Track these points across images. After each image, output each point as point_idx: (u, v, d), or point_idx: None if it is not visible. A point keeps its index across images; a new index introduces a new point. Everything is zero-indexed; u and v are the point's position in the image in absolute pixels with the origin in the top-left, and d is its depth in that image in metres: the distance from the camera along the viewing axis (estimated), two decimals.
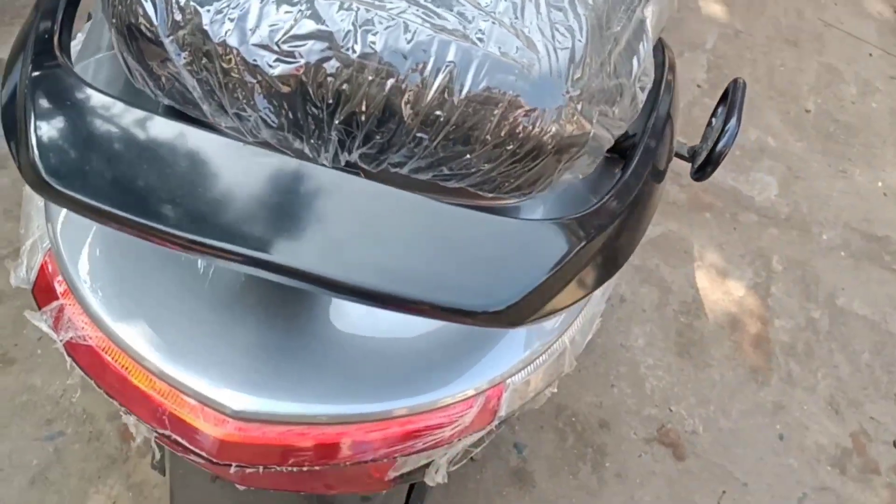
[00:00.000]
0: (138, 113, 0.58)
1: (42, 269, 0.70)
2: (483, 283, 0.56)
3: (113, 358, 0.66)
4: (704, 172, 0.78)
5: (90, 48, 0.77)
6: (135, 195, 0.54)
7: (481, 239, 0.57)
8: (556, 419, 1.52)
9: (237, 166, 0.56)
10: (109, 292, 0.67)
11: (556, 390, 0.79)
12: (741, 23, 2.30)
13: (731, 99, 0.77)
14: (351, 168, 0.60)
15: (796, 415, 1.59)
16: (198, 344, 0.66)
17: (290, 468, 0.66)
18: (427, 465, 0.74)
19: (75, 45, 0.79)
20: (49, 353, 1.44)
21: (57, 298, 0.68)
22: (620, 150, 0.71)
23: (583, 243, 0.59)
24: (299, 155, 0.59)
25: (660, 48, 0.81)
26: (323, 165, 0.58)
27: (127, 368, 0.66)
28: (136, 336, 0.65)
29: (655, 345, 1.65)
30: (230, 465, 0.65)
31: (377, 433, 0.66)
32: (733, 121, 0.74)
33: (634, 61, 0.64)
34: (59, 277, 0.68)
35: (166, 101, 0.60)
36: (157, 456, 0.86)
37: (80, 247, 0.69)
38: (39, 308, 0.69)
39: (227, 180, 0.55)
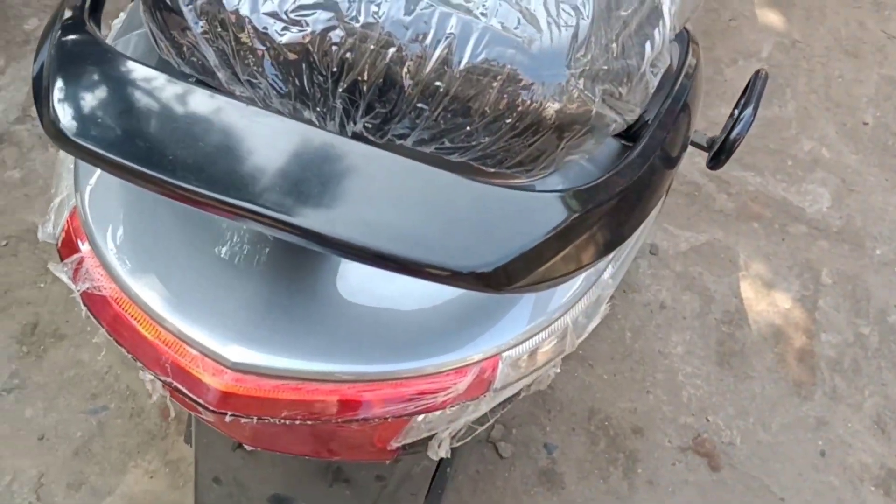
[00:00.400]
0: (154, 74, 0.61)
1: (67, 225, 0.74)
2: (471, 245, 0.56)
3: (124, 308, 0.69)
4: (718, 161, 0.78)
5: (132, 24, 0.81)
6: (143, 148, 0.57)
7: (475, 205, 0.58)
8: (589, 422, 1.51)
9: (239, 124, 0.58)
10: (125, 248, 0.71)
11: (558, 370, 0.79)
12: (799, 33, 2.25)
13: (750, 89, 0.76)
14: (358, 139, 0.61)
15: (840, 432, 1.54)
16: (203, 297, 0.68)
17: (283, 421, 0.68)
18: (430, 438, 0.75)
19: (117, 23, 0.84)
20: (97, 330, 1.49)
21: (77, 252, 0.71)
22: (636, 137, 0.72)
23: (576, 215, 0.59)
24: (307, 124, 0.61)
25: (685, 38, 0.81)
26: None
27: (136, 318, 0.69)
28: (145, 288, 0.68)
29: (695, 353, 1.63)
30: (226, 414, 0.67)
31: (369, 393, 0.68)
32: (749, 109, 0.74)
33: (647, 45, 0.64)
34: (82, 233, 0.72)
35: (188, 71, 0.63)
36: (172, 414, 0.89)
37: (102, 206, 0.73)
38: (62, 261, 0.73)
39: (227, 136, 0.58)
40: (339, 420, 0.68)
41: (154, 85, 0.60)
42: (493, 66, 0.56)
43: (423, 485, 0.99)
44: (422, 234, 0.56)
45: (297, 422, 0.68)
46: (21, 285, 1.53)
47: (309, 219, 0.55)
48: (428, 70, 0.56)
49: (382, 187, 0.58)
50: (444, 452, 0.75)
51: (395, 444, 0.73)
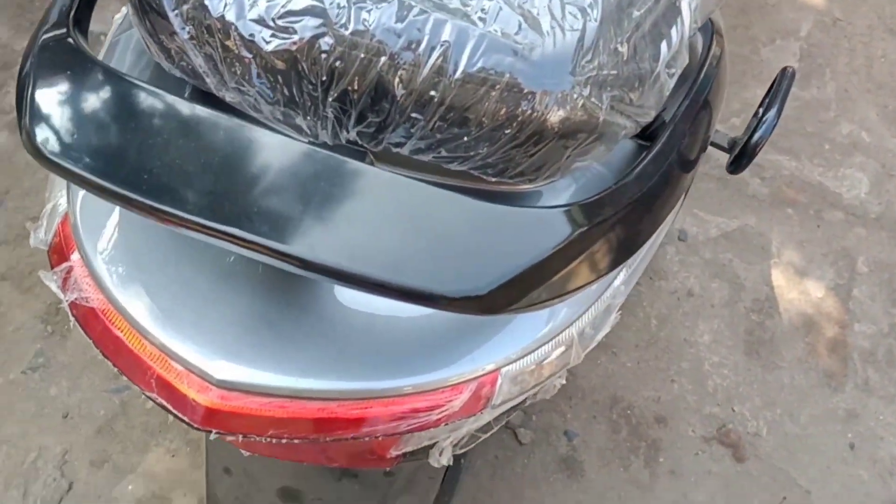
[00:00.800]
0: (137, 87, 0.59)
1: (58, 231, 0.72)
2: (462, 268, 0.54)
3: (110, 320, 0.67)
4: (739, 165, 0.74)
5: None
6: (119, 166, 0.55)
7: (468, 223, 0.55)
8: (611, 411, 1.49)
9: (221, 140, 0.56)
10: (115, 258, 0.69)
11: (564, 381, 0.76)
12: (840, 10, 2.17)
13: (775, 88, 0.72)
14: (354, 146, 0.59)
15: (871, 424, 1.50)
16: (191, 311, 0.66)
17: (269, 439, 0.66)
18: (432, 446, 0.72)
19: (118, 17, 0.82)
20: None
21: (67, 260, 0.70)
22: (653, 137, 0.68)
23: (580, 231, 0.56)
24: (299, 132, 0.59)
25: (709, 30, 0.77)
26: (322, 143, 0.58)
27: (122, 331, 0.67)
28: (132, 300, 0.67)
29: (722, 342, 1.59)
30: (210, 432, 0.65)
31: (359, 411, 0.65)
32: (773, 111, 0.71)
33: (663, 45, 0.61)
34: (72, 241, 0.70)
35: (178, 74, 0.62)
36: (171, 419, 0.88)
37: (94, 213, 0.71)
38: (52, 268, 0.72)
39: (208, 154, 0.56)
40: (328, 439, 0.66)
41: (136, 99, 0.58)
42: (491, 75, 0.53)
43: (435, 479, 0.98)
44: (408, 257, 0.54)
45: (284, 440, 0.66)
46: (46, 265, 1.55)
47: (288, 242, 0.53)
48: (421, 79, 0.53)
49: (368, 206, 0.55)
50: (445, 461, 0.73)
51: (394, 453, 0.71)
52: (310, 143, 0.58)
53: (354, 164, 0.56)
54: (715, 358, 1.57)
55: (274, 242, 0.53)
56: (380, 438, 0.67)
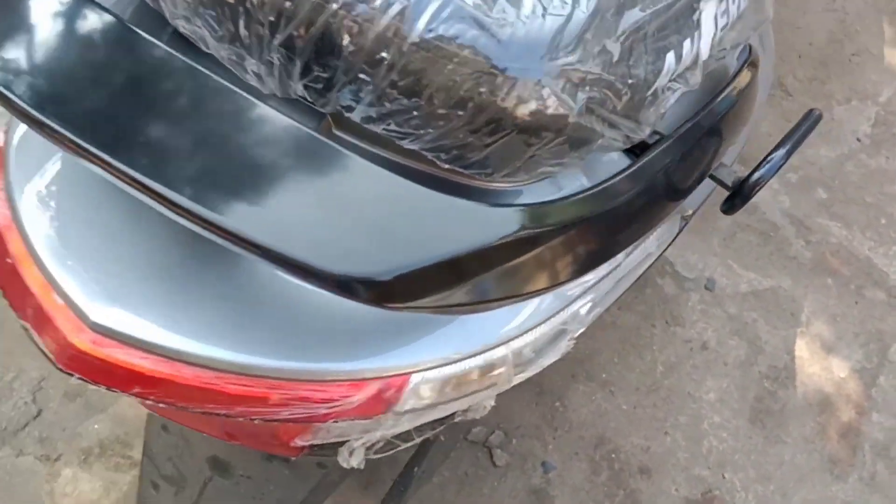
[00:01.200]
0: (87, 13, 0.56)
1: None
2: (361, 248, 0.49)
3: (9, 239, 0.64)
4: (732, 204, 0.67)
5: None
6: (49, 95, 0.52)
7: (385, 203, 0.51)
8: (595, 450, 1.42)
9: (141, 70, 0.53)
10: (35, 180, 0.65)
11: (493, 403, 0.70)
12: None
13: (794, 128, 0.66)
14: (310, 105, 0.55)
15: None
16: (92, 247, 0.62)
17: (132, 396, 0.62)
18: (342, 444, 0.67)
19: None
20: None
21: None
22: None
23: (508, 238, 0.51)
24: (246, 76, 0.55)
25: (745, 57, 0.70)
26: (274, 96, 0.54)
27: (17, 252, 0.63)
28: (35, 224, 0.63)
29: (728, 403, 1.51)
30: (73, 375, 0.61)
31: (238, 388, 0.60)
32: (781, 151, 0.64)
33: (669, 56, 0.54)
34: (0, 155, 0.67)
35: (150, 1, 0.59)
36: None
37: (28, 136, 0.68)
38: None
39: (121, 81, 0.53)
40: (198, 410, 0.61)
41: (73, 18, 0.55)
42: (450, 46, 0.48)
43: (371, 474, 0.93)
44: (304, 225, 0.49)
45: (149, 401, 0.62)
46: None
47: (159, 178, 0.50)
48: (373, 36, 0.48)
49: (275, 163, 0.51)
50: (356, 462, 0.68)
51: (300, 443, 0.67)
52: (270, 100, 0.55)
53: (276, 115, 0.52)
54: (716, 418, 1.49)
55: (142, 175, 0.50)
56: (256, 422, 0.62)
